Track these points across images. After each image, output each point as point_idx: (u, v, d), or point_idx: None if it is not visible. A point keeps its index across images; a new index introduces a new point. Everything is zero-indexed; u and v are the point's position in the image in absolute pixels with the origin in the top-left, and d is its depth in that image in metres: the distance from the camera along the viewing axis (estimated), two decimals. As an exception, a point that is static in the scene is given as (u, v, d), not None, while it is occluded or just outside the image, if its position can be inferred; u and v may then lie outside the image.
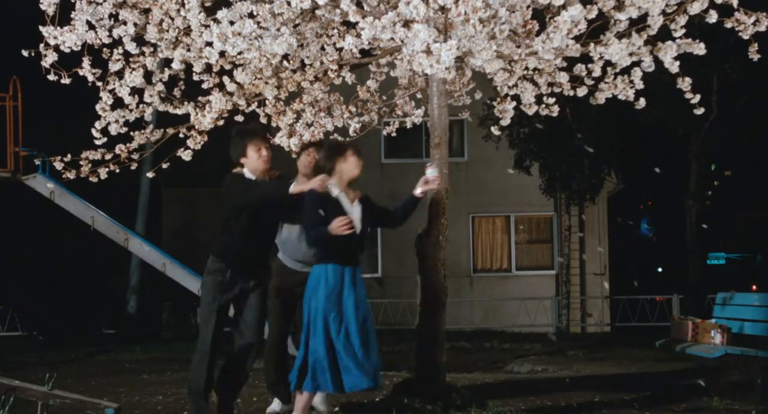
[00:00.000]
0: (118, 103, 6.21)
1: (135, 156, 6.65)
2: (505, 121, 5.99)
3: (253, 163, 5.03)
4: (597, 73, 5.68)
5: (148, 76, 6.13)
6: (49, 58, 5.76)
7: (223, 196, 5.03)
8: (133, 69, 5.96)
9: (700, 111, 5.79)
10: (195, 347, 5.13)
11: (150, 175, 7.41)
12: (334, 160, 5.05)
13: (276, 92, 6.19)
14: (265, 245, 5.17)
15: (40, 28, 5.63)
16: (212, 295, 5.01)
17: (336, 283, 4.86)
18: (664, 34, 5.28)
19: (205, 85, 6.36)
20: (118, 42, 5.77)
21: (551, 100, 6.06)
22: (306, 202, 4.86)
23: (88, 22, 5.63)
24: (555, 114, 6.11)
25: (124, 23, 5.64)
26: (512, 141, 15.87)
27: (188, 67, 6.06)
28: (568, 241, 17.32)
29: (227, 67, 6.08)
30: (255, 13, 4.95)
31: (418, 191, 5.16)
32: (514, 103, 5.87)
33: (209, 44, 5.14)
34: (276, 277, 5.55)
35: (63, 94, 7.84)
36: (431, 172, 5.13)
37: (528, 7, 5.00)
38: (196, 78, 6.26)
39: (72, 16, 5.62)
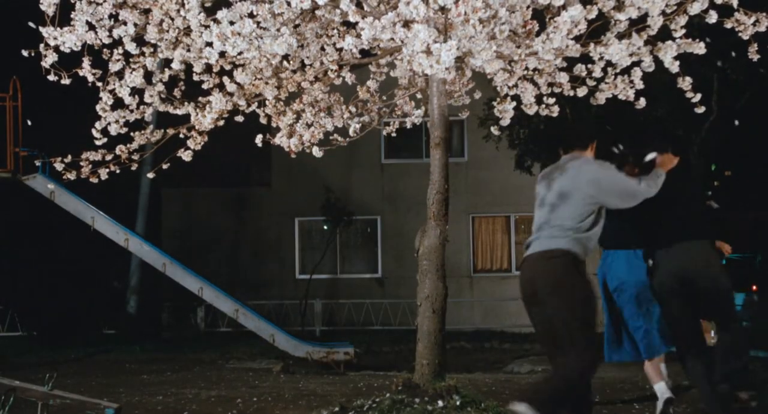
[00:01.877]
0: (118, 104, 6.22)
1: (135, 156, 6.66)
2: (505, 122, 5.99)
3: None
4: (597, 73, 5.69)
5: (148, 76, 6.13)
6: (49, 59, 5.76)
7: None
8: (133, 69, 5.96)
9: (700, 110, 5.79)
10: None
11: (150, 175, 7.42)
12: None
13: (276, 92, 6.19)
14: None
15: (40, 28, 5.63)
16: None
17: None
18: (664, 34, 5.29)
19: (205, 86, 6.37)
20: (118, 42, 5.77)
21: (551, 100, 6.07)
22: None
23: (88, 23, 5.63)
24: (555, 114, 6.12)
25: (124, 23, 5.64)
26: (512, 141, 15.87)
27: (188, 68, 6.06)
28: (568, 241, 17.31)
29: (227, 67, 6.08)
30: (255, 14, 4.95)
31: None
32: (514, 104, 5.87)
33: (209, 44, 5.14)
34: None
35: (63, 95, 7.84)
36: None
37: (528, 7, 5.00)
38: (196, 78, 6.26)
39: (72, 16, 5.62)
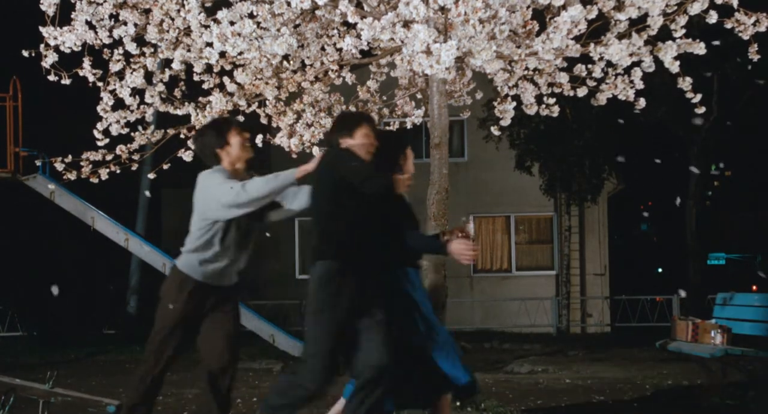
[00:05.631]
0: (119, 104, 6.22)
1: (136, 157, 6.66)
2: (506, 122, 5.99)
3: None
4: (597, 73, 5.69)
5: (148, 76, 6.14)
6: (50, 59, 5.76)
7: (334, 176, 3.99)
8: (134, 69, 5.97)
9: (701, 110, 5.80)
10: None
11: (151, 176, 7.42)
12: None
13: (276, 92, 6.20)
14: None
15: (40, 28, 5.63)
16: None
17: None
18: (664, 34, 5.29)
19: (205, 86, 6.37)
20: (118, 42, 5.78)
21: (551, 101, 6.07)
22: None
23: (89, 23, 5.64)
24: (555, 114, 6.12)
25: (125, 24, 5.64)
26: (512, 141, 15.89)
27: (189, 68, 6.07)
28: (568, 242, 17.33)
29: (227, 67, 6.09)
30: (255, 14, 4.96)
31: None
32: (515, 104, 5.87)
33: (209, 45, 5.14)
34: None
35: (63, 95, 7.85)
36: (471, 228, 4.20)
37: (528, 7, 5.00)
38: (196, 78, 6.27)
39: (72, 16, 5.63)
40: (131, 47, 5.72)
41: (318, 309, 3.93)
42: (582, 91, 5.86)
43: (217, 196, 4.14)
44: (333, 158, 4.04)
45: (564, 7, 4.90)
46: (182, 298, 4.25)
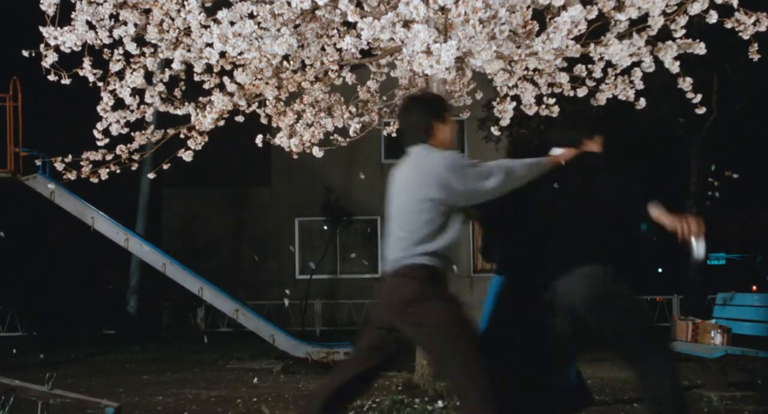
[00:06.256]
0: (119, 104, 6.22)
1: (136, 156, 6.66)
2: (505, 122, 6.00)
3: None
4: (597, 73, 5.69)
5: (148, 76, 6.14)
6: (50, 59, 5.76)
7: None
8: (134, 69, 5.97)
9: (701, 110, 5.80)
10: None
11: (151, 176, 7.42)
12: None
13: (276, 93, 6.20)
14: None
15: (41, 28, 5.63)
16: None
17: None
18: (665, 34, 5.29)
19: (205, 86, 6.37)
20: (118, 42, 5.78)
21: (551, 101, 6.07)
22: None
23: (89, 23, 5.64)
24: (555, 114, 6.12)
25: (125, 24, 5.64)
26: (512, 141, 15.90)
27: (189, 68, 6.07)
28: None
29: (228, 67, 6.09)
30: (255, 14, 4.96)
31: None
32: (514, 104, 5.88)
33: (210, 45, 5.14)
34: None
35: (63, 95, 7.86)
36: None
37: (528, 7, 5.01)
38: (196, 78, 6.27)
39: (72, 16, 5.63)
40: (131, 47, 5.72)
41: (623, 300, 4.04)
42: (582, 91, 5.87)
43: (470, 182, 3.59)
44: (597, 164, 3.94)
45: (564, 7, 4.90)
46: (446, 291, 3.60)
